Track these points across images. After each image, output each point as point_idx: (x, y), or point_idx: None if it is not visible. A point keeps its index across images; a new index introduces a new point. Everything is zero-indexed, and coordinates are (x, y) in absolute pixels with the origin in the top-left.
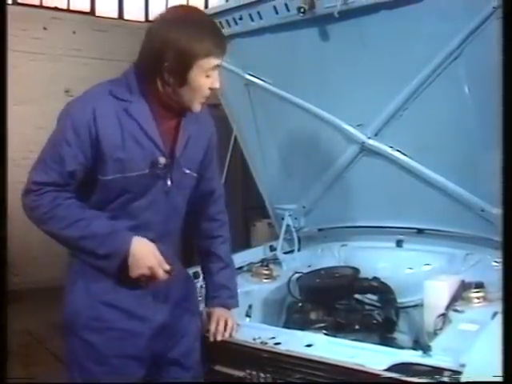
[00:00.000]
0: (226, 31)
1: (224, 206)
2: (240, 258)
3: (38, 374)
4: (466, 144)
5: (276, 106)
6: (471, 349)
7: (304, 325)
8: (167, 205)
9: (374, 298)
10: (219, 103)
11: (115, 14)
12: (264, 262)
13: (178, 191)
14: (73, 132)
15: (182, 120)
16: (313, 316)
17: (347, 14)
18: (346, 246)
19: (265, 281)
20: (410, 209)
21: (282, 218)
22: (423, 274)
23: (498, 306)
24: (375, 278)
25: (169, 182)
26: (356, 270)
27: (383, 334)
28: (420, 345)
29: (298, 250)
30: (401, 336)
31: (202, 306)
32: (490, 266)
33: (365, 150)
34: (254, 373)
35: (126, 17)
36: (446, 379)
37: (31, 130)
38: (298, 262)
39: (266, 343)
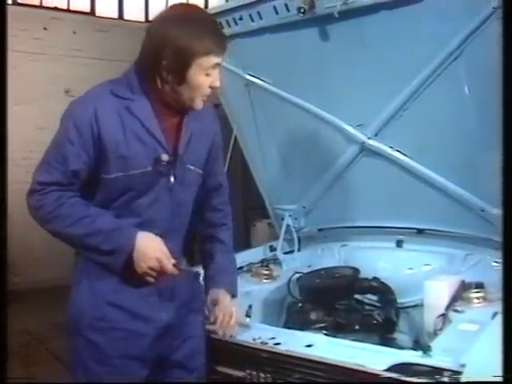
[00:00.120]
0: (226, 31)
1: (227, 198)
2: (240, 258)
3: (38, 374)
4: (466, 144)
5: (276, 106)
6: (471, 349)
7: (304, 325)
8: (171, 202)
9: (374, 298)
10: (219, 103)
11: (115, 15)
12: (264, 263)
13: (182, 188)
14: (75, 131)
15: (185, 117)
16: (313, 316)
17: (347, 14)
18: (346, 246)
19: (265, 281)
20: (410, 209)
21: (282, 218)
22: (423, 274)
23: (498, 307)
24: (375, 279)
25: (172, 179)
26: (356, 271)
27: (383, 334)
28: (420, 345)
29: (298, 250)
30: (401, 336)
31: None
32: (490, 267)
33: (365, 150)
34: (254, 373)
35: (126, 17)
36: (446, 379)
37: (31, 130)
38: (298, 262)
39: (266, 343)
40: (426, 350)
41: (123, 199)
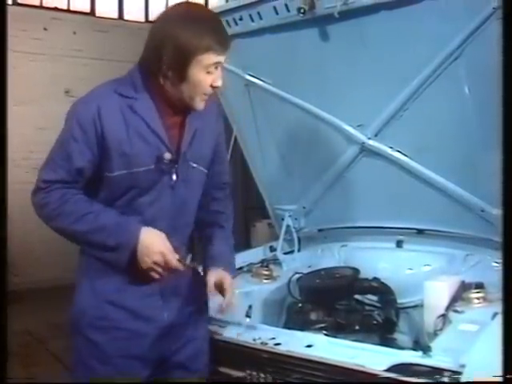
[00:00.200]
0: None
1: (229, 191)
2: (240, 259)
3: (38, 374)
4: (466, 144)
5: (276, 106)
6: (471, 349)
7: (304, 325)
8: (173, 200)
9: (374, 298)
10: (219, 103)
11: (115, 15)
12: (264, 263)
13: (185, 186)
14: (79, 129)
15: (188, 116)
16: (313, 316)
17: (347, 15)
18: (346, 247)
19: (265, 281)
20: (410, 209)
21: (282, 219)
22: (423, 274)
23: (498, 307)
24: (375, 279)
25: (174, 177)
26: (356, 271)
27: (383, 334)
28: (420, 345)
29: (298, 250)
30: (401, 336)
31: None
32: (490, 267)
33: (365, 150)
34: (255, 373)
35: (126, 17)
36: (446, 379)
37: (31, 130)
38: (298, 263)
39: (266, 344)
40: (425, 350)
41: (126, 197)
